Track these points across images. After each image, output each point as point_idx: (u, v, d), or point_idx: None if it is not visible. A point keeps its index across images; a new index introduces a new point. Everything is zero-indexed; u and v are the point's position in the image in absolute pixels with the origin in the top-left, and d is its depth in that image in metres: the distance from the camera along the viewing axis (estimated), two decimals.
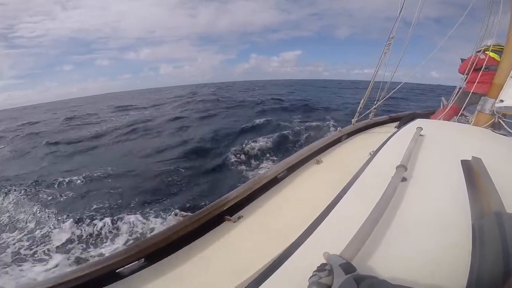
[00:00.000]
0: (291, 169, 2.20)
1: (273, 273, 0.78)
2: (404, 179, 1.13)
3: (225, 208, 1.65)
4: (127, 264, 1.31)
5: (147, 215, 4.68)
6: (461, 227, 0.82)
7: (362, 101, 3.04)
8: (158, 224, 4.40)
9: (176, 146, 8.86)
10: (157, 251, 1.38)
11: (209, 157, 7.60)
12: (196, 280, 1.25)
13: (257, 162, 6.97)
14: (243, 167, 6.71)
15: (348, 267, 0.62)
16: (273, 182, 2.01)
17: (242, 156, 7.28)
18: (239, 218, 1.65)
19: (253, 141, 8.21)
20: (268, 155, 7.40)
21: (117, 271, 1.29)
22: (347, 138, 2.99)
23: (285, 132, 9.29)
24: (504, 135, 1.94)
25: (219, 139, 9.25)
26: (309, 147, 2.50)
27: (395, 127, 2.96)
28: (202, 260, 1.37)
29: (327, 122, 10.78)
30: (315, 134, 8.98)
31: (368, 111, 3.28)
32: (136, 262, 1.34)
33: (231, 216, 1.64)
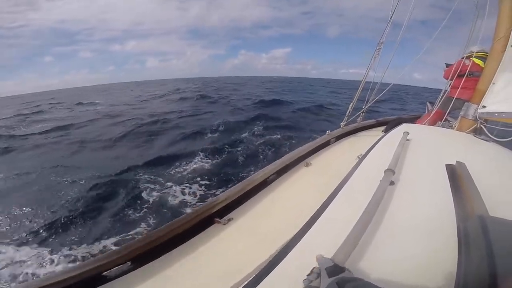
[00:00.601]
0: (281, 172, 2.21)
1: (266, 275, 0.78)
2: (392, 183, 1.15)
3: (214, 210, 1.64)
4: (113, 267, 1.28)
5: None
6: (447, 231, 0.85)
7: (351, 104, 3.09)
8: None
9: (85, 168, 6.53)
10: (144, 254, 1.35)
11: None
12: (185, 283, 1.23)
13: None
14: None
15: (333, 270, 0.62)
16: (262, 184, 2.01)
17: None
18: (229, 220, 1.65)
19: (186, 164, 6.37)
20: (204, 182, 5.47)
21: (103, 274, 1.25)
22: (335, 141, 3.03)
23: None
24: (485, 140, 2.02)
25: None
26: (298, 150, 2.52)
27: (382, 131, 3.03)
28: (191, 263, 1.35)
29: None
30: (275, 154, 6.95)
31: (357, 114, 3.34)
32: (123, 265, 1.31)
33: (220, 219, 1.64)
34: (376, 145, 1.80)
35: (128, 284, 1.24)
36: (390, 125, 2.97)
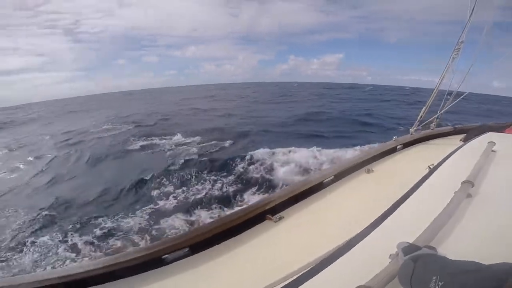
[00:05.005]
0: (339, 176, 2.12)
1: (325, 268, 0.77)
2: (469, 195, 1.01)
3: (267, 208, 1.68)
4: (172, 252, 1.41)
5: None
6: None
7: (423, 108, 2.78)
8: None
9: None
10: (200, 242, 1.46)
11: None
12: (232, 273, 1.30)
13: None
14: None
15: (409, 249, 0.65)
16: (318, 187, 1.97)
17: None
18: (280, 218, 1.66)
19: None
20: None
21: (162, 257, 1.38)
22: (403, 148, 2.76)
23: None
24: None
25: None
26: (360, 155, 2.39)
27: (461, 140, 2.65)
28: (240, 255, 1.41)
29: None
30: None
31: (430, 119, 2.98)
32: (180, 250, 1.43)
33: (272, 216, 1.66)
34: (453, 155, 1.60)
35: (184, 267, 1.35)
36: (471, 133, 2.56)
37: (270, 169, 6.93)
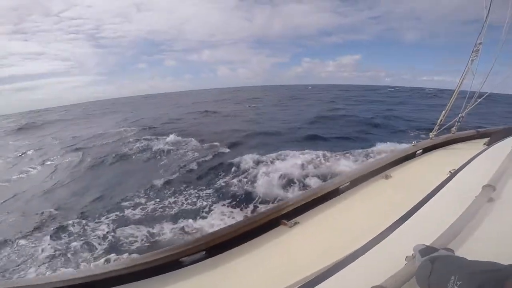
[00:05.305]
0: (356, 182, 2.09)
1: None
2: (491, 200, 0.98)
3: (282, 213, 1.69)
4: (190, 255, 1.44)
5: None
6: None
7: (443, 112, 2.69)
8: None
9: None
10: (216, 246, 1.48)
11: None
12: (247, 277, 1.31)
13: None
14: None
15: (426, 251, 0.66)
16: (334, 192, 1.95)
17: None
18: (295, 223, 1.66)
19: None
20: None
21: (180, 260, 1.42)
22: (422, 153, 2.68)
23: None
24: None
25: None
26: (377, 160, 2.34)
27: (484, 144, 2.54)
28: (256, 259, 1.42)
29: None
30: None
31: (450, 123, 2.87)
32: (198, 253, 1.46)
33: (287, 221, 1.66)
34: (475, 159, 1.55)
35: (200, 270, 1.38)
36: (495, 136, 2.45)
37: (254, 180, 6.41)
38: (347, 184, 2.04)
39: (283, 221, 1.67)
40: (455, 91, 2.65)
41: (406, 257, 0.72)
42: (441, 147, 2.83)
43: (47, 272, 3.99)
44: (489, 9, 2.30)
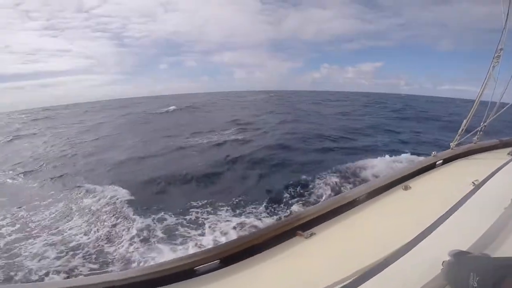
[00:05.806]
0: (373, 193, 2.04)
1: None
2: None
3: (298, 224, 1.66)
4: (204, 264, 1.44)
5: None
6: None
7: (464, 121, 2.61)
8: None
9: None
10: (231, 256, 1.47)
11: None
12: (263, 286, 1.30)
13: None
14: None
15: (457, 253, 0.69)
16: (352, 203, 1.91)
17: None
18: (311, 235, 1.63)
19: None
20: None
21: (194, 268, 1.42)
22: (443, 164, 2.58)
23: None
24: None
25: None
26: (396, 171, 2.28)
27: (509, 153, 2.43)
28: (271, 269, 1.40)
29: None
30: None
31: (472, 132, 2.78)
32: (212, 262, 1.46)
33: (303, 232, 1.64)
34: (501, 170, 1.49)
35: (214, 279, 1.37)
36: None
37: None
38: (365, 195, 2.00)
39: (299, 232, 1.64)
40: (477, 99, 2.57)
41: (443, 262, 0.73)
42: (463, 157, 2.73)
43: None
44: (508, 13, 2.24)
